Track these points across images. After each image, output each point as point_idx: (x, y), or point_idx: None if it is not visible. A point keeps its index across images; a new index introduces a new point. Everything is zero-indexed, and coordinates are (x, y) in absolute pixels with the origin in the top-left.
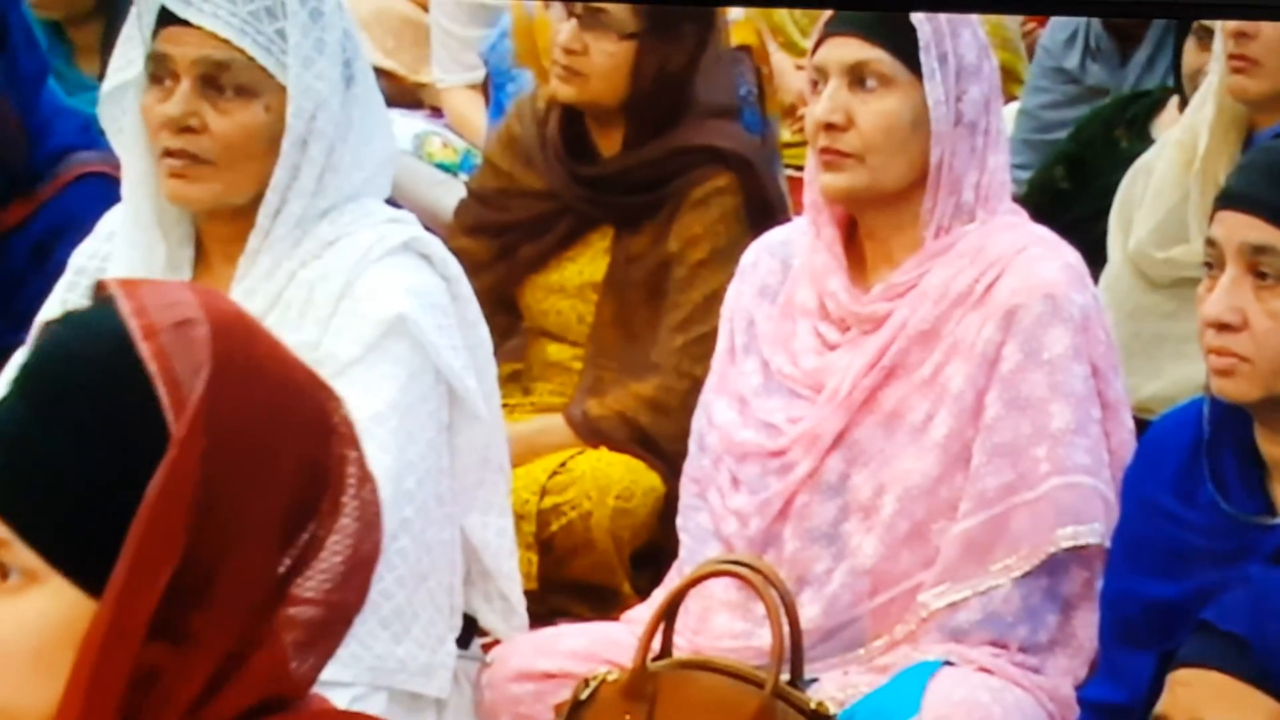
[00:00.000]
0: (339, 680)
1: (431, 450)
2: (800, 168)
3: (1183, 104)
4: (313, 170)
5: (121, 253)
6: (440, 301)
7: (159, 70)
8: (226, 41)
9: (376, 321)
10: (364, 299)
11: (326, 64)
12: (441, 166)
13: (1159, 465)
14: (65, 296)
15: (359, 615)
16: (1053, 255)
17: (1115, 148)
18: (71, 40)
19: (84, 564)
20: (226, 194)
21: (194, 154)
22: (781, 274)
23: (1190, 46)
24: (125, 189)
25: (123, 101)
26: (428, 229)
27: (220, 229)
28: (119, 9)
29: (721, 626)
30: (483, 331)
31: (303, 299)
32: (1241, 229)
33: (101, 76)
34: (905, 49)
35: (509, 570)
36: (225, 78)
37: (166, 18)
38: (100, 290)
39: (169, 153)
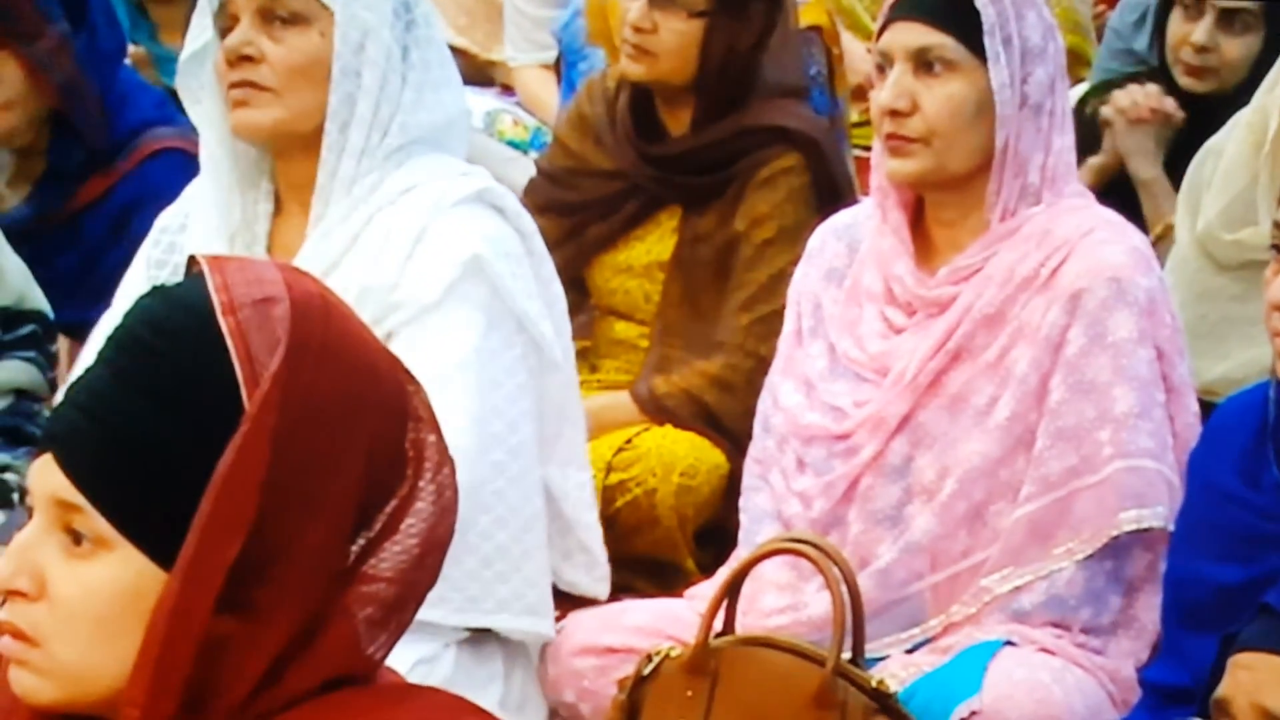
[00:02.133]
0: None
1: (521, 393)
2: (868, 148)
3: (1164, 75)
4: (368, 100)
5: (199, 213)
6: (514, 250)
7: (225, 22)
8: None
9: (453, 263)
10: (440, 242)
11: None
12: (512, 144)
13: (1224, 448)
14: (144, 269)
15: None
16: (1118, 238)
17: None
18: (154, 19)
19: (154, 534)
20: (290, 121)
21: (254, 81)
22: (848, 257)
23: (1175, 18)
24: (204, 154)
25: (200, 74)
26: None
27: (293, 173)
28: None
29: (769, 604)
30: (557, 288)
31: (379, 242)
32: None
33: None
34: (969, 33)
35: (590, 521)
36: (279, 7)
37: None
38: (192, 265)
39: (232, 85)
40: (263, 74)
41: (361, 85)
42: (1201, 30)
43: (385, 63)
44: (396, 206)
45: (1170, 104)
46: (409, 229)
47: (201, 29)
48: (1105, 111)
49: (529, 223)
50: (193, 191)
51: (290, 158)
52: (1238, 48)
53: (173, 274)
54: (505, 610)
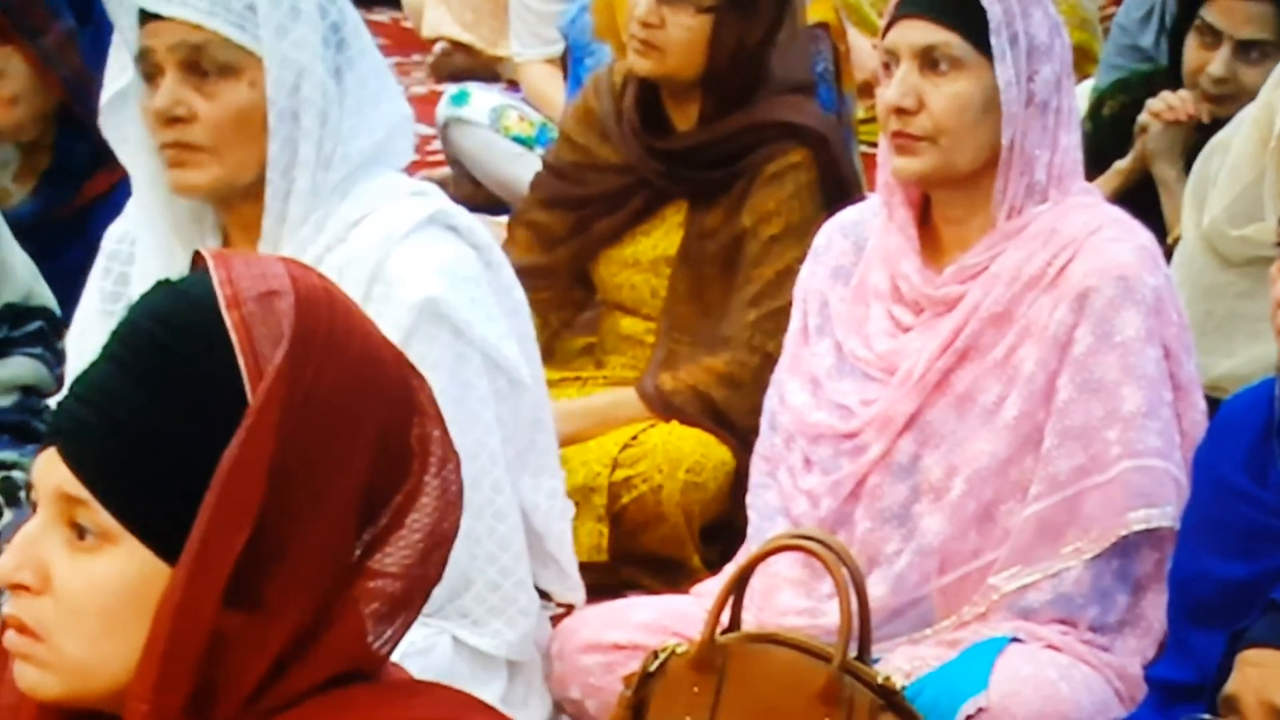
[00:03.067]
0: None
1: (495, 424)
2: (875, 145)
3: (1174, 75)
4: (309, 142)
5: (143, 258)
6: (472, 273)
7: (147, 68)
8: (200, 26)
9: (410, 307)
10: (395, 283)
11: (305, 30)
12: (518, 140)
13: (1231, 445)
14: (100, 284)
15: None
16: (1125, 236)
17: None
18: None
19: (159, 528)
20: (229, 176)
21: (187, 142)
22: (854, 255)
23: (1191, 45)
24: (136, 200)
25: (124, 110)
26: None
27: (239, 217)
28: None
29: (785, 603)
30: (518, 294)
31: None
32: None
33: None
34: (976, 30)
35: (559, 532)
36: (205, 60)
37: (145, 17)
38: (197, 260)
39: (165, 145)
40: (195, 134)
41: (300, 127)
42: (1219, 63)
43: (322, 99)
44: (347, 243)
45: (1205, 110)
46: (362, 268)
47: (122, 68)
48: (1142, 119)
49: (483, 235)
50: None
51: (233, 204)
52: (1256, 76)
53: (126, 307)
54: (466, 617)
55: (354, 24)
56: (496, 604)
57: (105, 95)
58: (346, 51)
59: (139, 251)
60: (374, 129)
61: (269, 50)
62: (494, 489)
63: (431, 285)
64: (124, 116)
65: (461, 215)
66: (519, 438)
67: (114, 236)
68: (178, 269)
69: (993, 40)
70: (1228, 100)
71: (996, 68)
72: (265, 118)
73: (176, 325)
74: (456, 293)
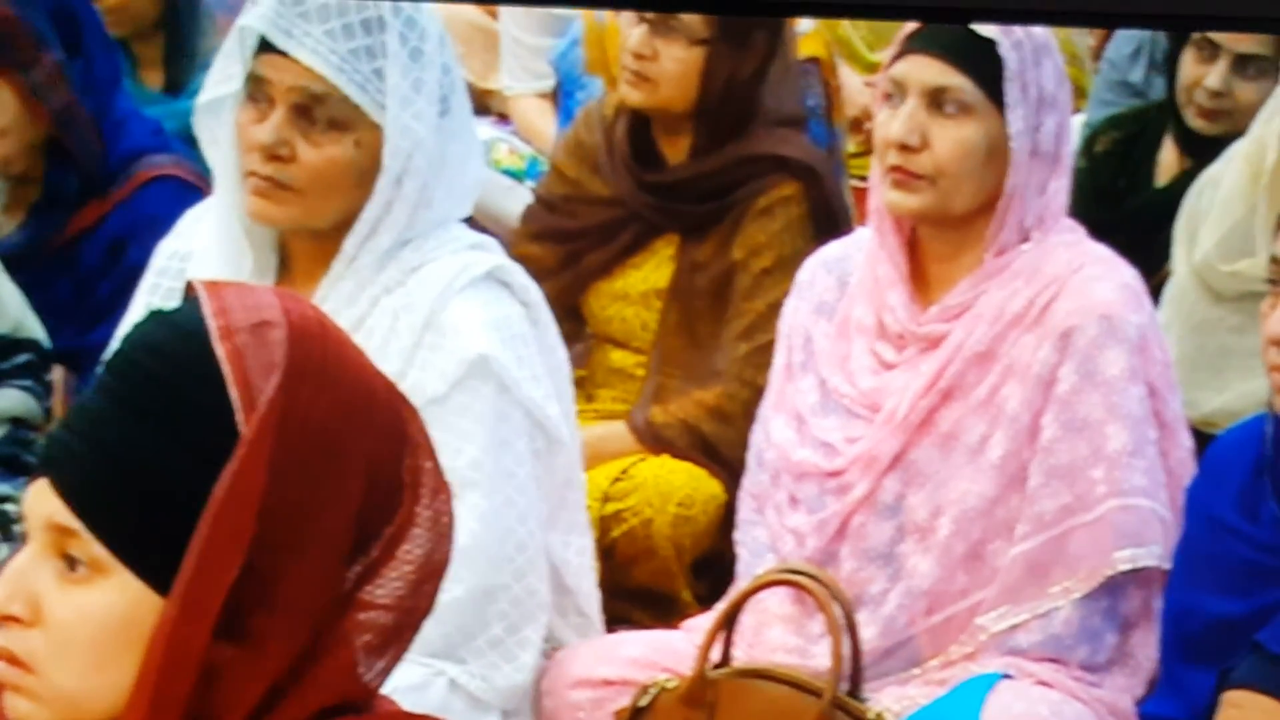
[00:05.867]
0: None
1: (530, 482)
2: (865, 179)
3: (1175, 117)
4: (405, 206)
5: (210, 258)
6: (521, 331)
7: (256, 92)
8: (324, 78)
9: (460, 361)
10: (448, 334)
11: (424, 103)
12: (508, 173)
13: (1222, 481)
14: (148, 299)
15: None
16: (1109, 275)
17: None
18: (135, 54)
19: (150, 559)
20: (307, 219)
21: (280, 181)
22: (838, 291)
23: (1188, 59)
24: (216, 198)
25: (219, 114)
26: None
27: (305, 246)
28: (180, 25)
29: (775, 640)
30: (561, 354)
31: (386, 327)
32: None
33: (166, 88)
34: (987, 76)
35: (588, 588)
36: (319, 110)
37: (267, 44)
38: (189, 290)
39: (256, 174)
40: (291, 174)
41: (401, 192)
42: (1215, 76)
43: (428, 169)
44: (405, 288)
45: None
46: (417, 315)
47: (228, 78)
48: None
49: (535, 293)
50: (195, 226)
51: (303, 237)
52: (1252, 92)
53: None
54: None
55: (460, 92)
56: (496, 660)
57: (205, 95)
58: (451, 121)
59: (203, 252)
60: (458, 195)
61: (392, 120)
62: (517, 548)
63: (484, 341)
64: (219, 120)
65: (516, 272)
66: (552, 496)
67: (165, 253)
68: (245, 273)
69: (1007, 89)
70: (1222, 117)
71: (1008, 117)
72: (361, 174)
73: (168, 356)
74: (506, 351)
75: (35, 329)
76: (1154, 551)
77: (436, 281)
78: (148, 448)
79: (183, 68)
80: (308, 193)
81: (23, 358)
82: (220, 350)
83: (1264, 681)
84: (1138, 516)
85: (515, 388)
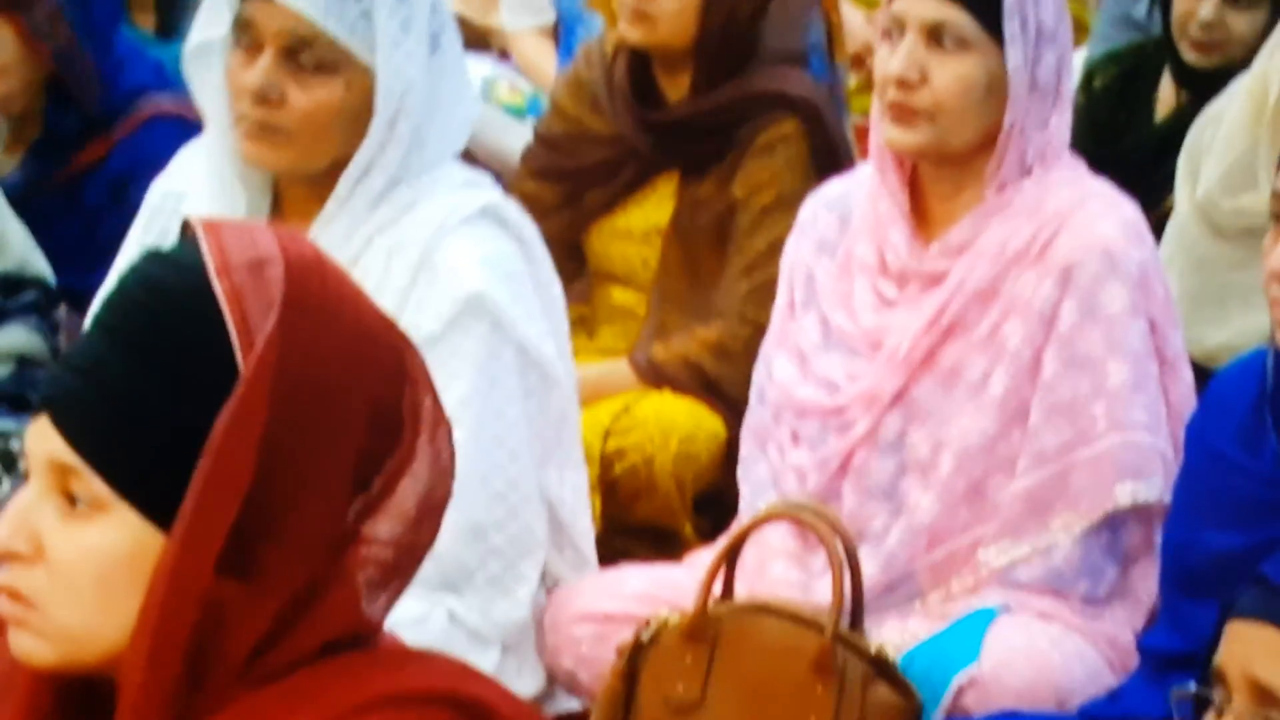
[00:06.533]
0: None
1: (522, 420)
2: (867, 115)
3: (1172, 52)
4: (398, 147)
5: (203, 199)
6: (516, 269)
7: (244, 36)
8: (312, 22)
9: (455, 299)
10: (442, 272)
11: (414, 43)
12: (509, 110)
13: (1223, 416)
14: (141, 237)
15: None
16: (1110, 211)
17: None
18: None
19: (152, 496)
20: (300, 162)
21: (270, 123)
22: (839, 229)
23: None
24: (207, 141)
25: (209, 57)
26: (492, 173)
27: (298, 188)
28: None
29: (778, 575)
30: (556, 290)
31: (380, 267)
32: None
33: (159, 31)
34: (986, 11)
35: (583, 525)
36: (307, 54)
37: None
38: (186, 228)
39: (247, 118)
40: (281, 118)
41: (394, 134)
42: (1208, 7)
43: (421, 110)
44: (399, 227)
45: None
46: (411, 254)
47: (217, 19)
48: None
49: (529, 230)
50: (188, 166)
51: (296, 179)
52: (1244, 23)
53: None
54: (506, 628)
55: (450, 29)
56: (493, 595)
57: (193, 39)
58: (441, 59)
59: (197, 193)
60: (451, 134)
61: (382, 62)
62: (509, 485)
63: (478, 279)
64: (209, 64)
65: (510, 209)
66: (546, 434)
67: (158, 192)
68: (239, 213)
69: (1006, 24)
70: (1215, 49)
71: (1007, 53)
72: (353, 117)
73: (166, 293)
74: (501, 288)
75: (41, 266)
76: (1154, 486)
77: (430, 220)
78: (147, 385)
79: (175, 11)
80: (299, 136)
81: (29, 295)
82: (218, 287)
83: (1268, 612)
84: (1138, 452)
85: (509, 325)
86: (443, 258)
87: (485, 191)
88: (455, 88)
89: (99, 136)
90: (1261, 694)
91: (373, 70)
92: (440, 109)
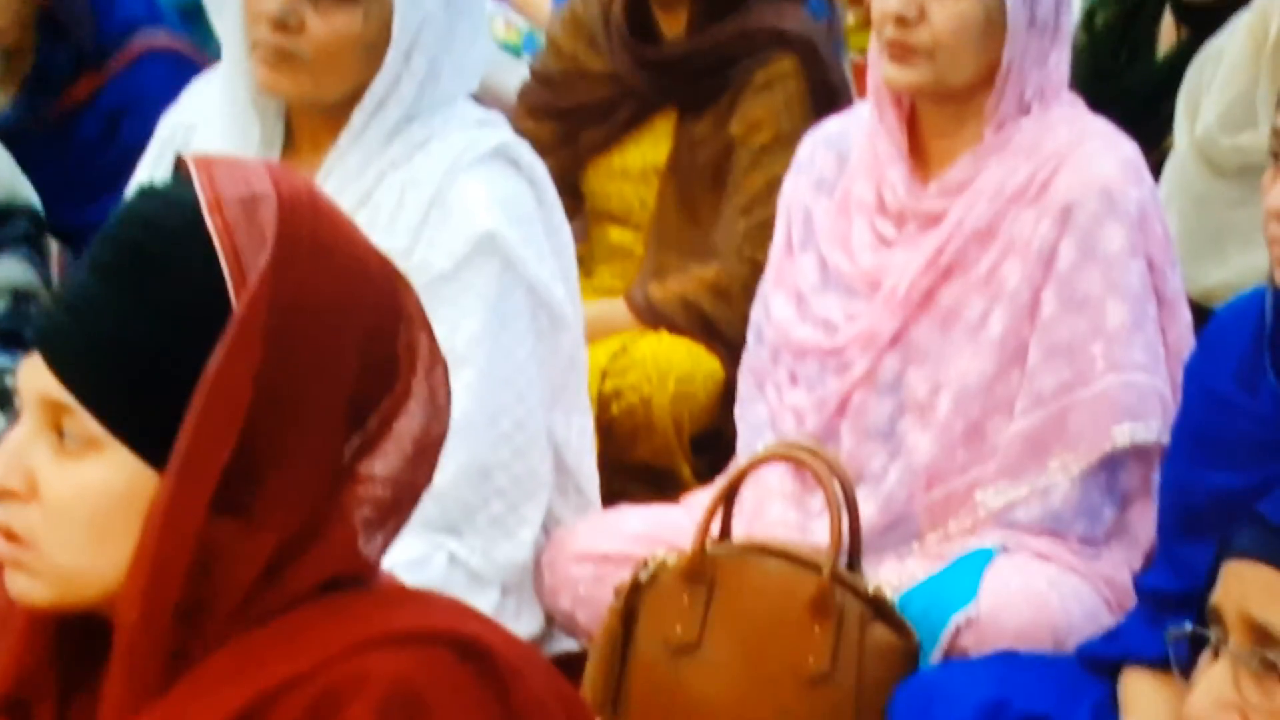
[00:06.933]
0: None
1: (530, 361)
2: (865, 53)
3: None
4: (413, 81)
5: (216, 130)
6: (528, 209)
7: None
8: None
9: (467, 238)
10: (455, 210)
11: None
12: (505, 48)
13: (1222, 355)
14: (152, 172)
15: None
16: (1109, 150)
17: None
18: None
19: (145, 435)
20: (316, 91)
21: (289, 51)
22: (838, 167)
23: None
24: (223, 68)
25: None
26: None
27: (311, 119)
28: None
29: (775, 516)
30: (566, 235)
31: (393, 203)
32: None
33: None
34: None
35: (588, 468)
36: None
37: None
38: (179, 165)
39: (264, 44)
40: (299, 46)
41: (409, 67)
42: None
43: (436, 44)
44: (411, 164)
45: None
46: (423, 192)
47: None
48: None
49: (541, 171)
50: (199, 97)
51: (310, 109)
52: None
53: None
54: (512, 569)
55: None
56: (495, 536)
57: None
58: None
59: (209, 122)
60: (467, 73)
61: None
62: (515, 426)
63: (490, 218)
64: None
65: (523, 150)
66: (554, 376)
67: (169, 125)
68: (252, 143)
69: None
70: None
71: None
72: (369, 48)
73: (159, 229)
74: (513, 228)
75: (30, 196)
76: (1152, 426)
77: (444, 157)
78: (140, 322)
79: None
80: (316, 64)
81: (20, 225)
82: (211, 224)
83: (1265, 551)
84: (1137, 392)
85: (520, 265)
86: (456, 196)
87: (499, 131)
88: (471, 25)
89: (92, 72)
90: (1257, 633)
91: (391, 1)
92: (456, 44)
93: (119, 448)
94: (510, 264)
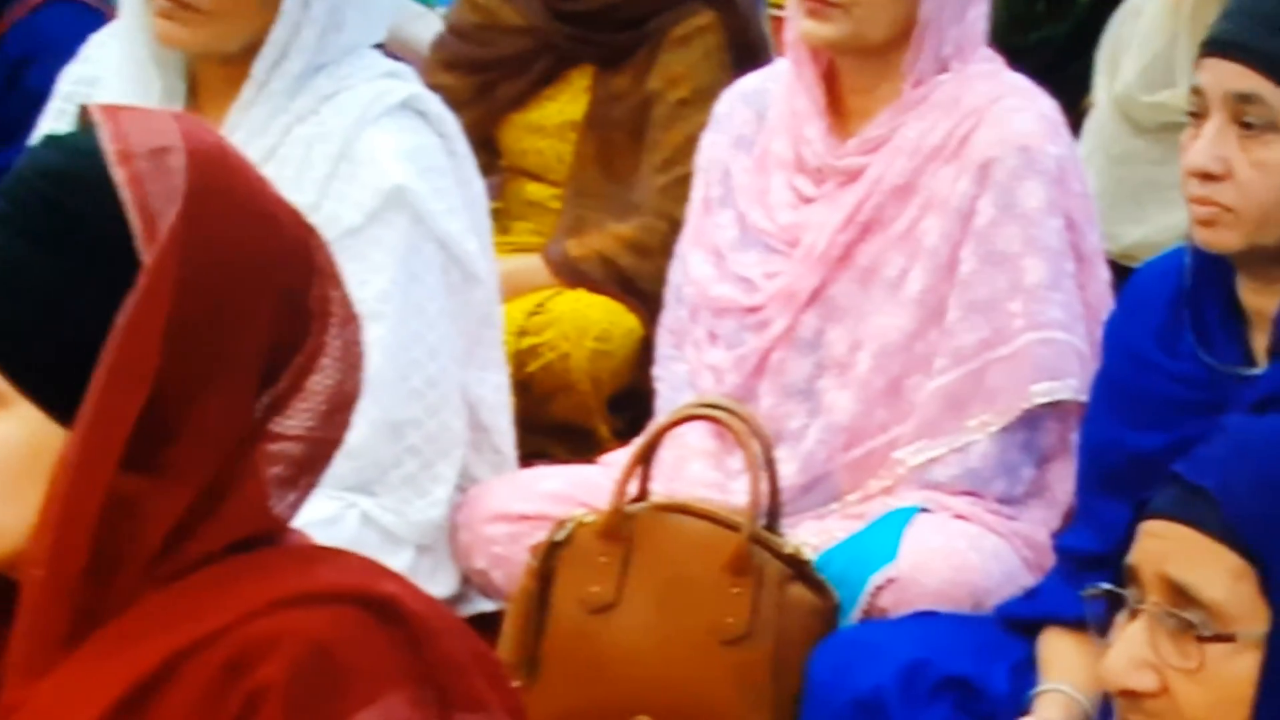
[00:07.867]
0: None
1: (441, 317)
2: (783, 8)
3: None
4: (314, 28)
5: (116, 84)
6: (438, 162)
7: None
8: None
9: (375, 191)
10: (363, 163)
11: None
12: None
13: (1141, 314)
14: (54, 125)
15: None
16: (1027, 106)
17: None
18: None
19: (52, 390)
20: (215, 42)
21: (186, 2)
22: (756, 124)
23: None
24: (122, 21)
25: None
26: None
27: (214, 72)
28: None
29: (694, 475)
30: (478, 187)
31: (299, 157)
32: (1227, 77)
33: None
34: None
35: (504, 426)
36: None
37: None
38: (85, 115)
39: None
40: None
41: (309, 14)
42: None
43: None
44: (319, 116)
45: None
46: (331, 145)
47: None
48: None
49: (451, 124)
50: (100, 50)
51: (212, 61)
52: None
53: None
54: (424, 531)
55: None
56: (409, 495)
57: None
58: None
59: (109, 77)
60: (372, 20)
61: None
62: (427, 382)
63: (399, 172)
64: None
65: (432, 102)
66: (468, 333)
67: (70, 78)
68: (153, 99)
69: None
70: None
71: None
72: None
73: (64, 181)
74: (422, 182)
75: None
76: (1071, 385)
77: (351, 110)
78: (46, 274)
79: None
80: (215, 14)
81: None
82: (119, 175)
83: (1182, 510)
84: (1055, 350)
85: (431, 220)
86: (363, 148)
87: (407, 83)
88: None
89: None
90: (1175, 592)
91: None
92: None
93: (25, 404)
94: (420, 218)
